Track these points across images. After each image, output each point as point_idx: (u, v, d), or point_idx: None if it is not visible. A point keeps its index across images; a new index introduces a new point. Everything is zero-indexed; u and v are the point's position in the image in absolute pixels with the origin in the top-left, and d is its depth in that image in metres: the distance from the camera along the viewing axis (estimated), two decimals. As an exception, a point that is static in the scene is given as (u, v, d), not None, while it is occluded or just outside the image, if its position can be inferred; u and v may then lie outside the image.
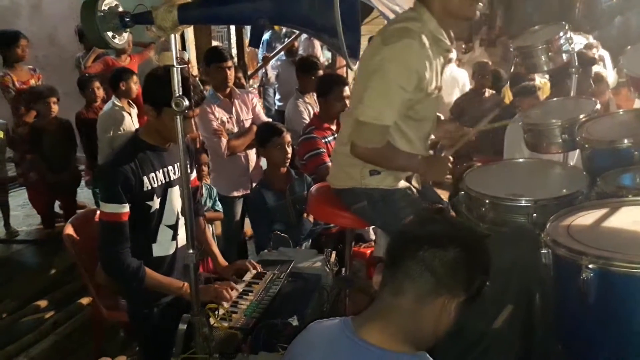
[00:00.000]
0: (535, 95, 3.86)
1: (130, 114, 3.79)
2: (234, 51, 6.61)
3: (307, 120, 3.53)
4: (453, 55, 1.61)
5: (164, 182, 1.95)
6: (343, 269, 2.45)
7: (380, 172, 1.92)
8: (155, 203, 1.92)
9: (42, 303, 3.32)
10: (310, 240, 3.07)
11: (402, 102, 1.76)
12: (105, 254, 1.88)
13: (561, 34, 2.89)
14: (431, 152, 2.13)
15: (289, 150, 2.92)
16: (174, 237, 2.03)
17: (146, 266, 1.90)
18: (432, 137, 2.14)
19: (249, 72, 5.81)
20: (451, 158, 1.96)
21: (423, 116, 1.90)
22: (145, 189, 1.88)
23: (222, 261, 2.24)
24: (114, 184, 1.81)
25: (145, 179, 1.87)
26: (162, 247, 2.00)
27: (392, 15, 3.35)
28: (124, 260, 1.84)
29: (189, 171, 1.73)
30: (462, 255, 1.05)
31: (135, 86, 3.85)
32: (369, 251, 3.40)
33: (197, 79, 4.45)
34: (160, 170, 1.93)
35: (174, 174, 1.98)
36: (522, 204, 1.87)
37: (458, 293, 1.06)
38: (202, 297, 1.82)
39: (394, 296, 1.07)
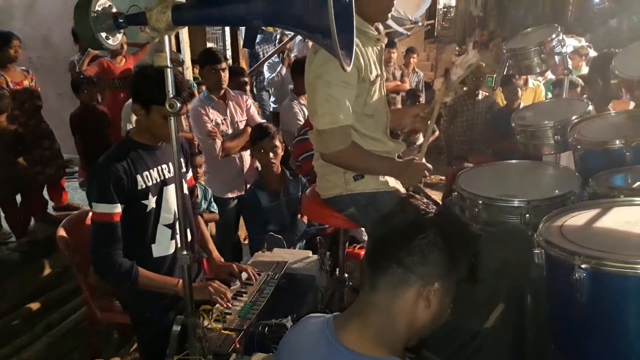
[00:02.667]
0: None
1: None
2: (229, 53, 6.61)
3: (302, 122, 3.53)
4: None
5: (158, 180, 1.94)
6: (337, 270, 2.45)
7: (363, 176, 1.92)
8: (151, 202, 1.92)
9: (35, 305, 3.30)
10: (305, 241, 3.07)
11: (351, 98, 1.77)
12: (96, 255, 1.86)
13: (553, 36, 2.92)
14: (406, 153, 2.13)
15: (273, 155, 2.90)
16: (173, 236, 2.02)
17: (147, 267, 1.90)
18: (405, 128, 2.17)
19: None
20: (429, 165, 1.95)
21: (375, 109, 1.91)
22: (139, 187, 1.87)
23: (217, 257, 2.22)
24: (105, 183, 1.80)
25: (138, 177, 1.87)
26: (162, 246, 1.99)
27: (390, 22, 3.36)
28: (116, 261, 1.83)
29: (183, 169, 1.72)
30: (428, 239, 1.02)
31: None
32: (362, 252, 3.42)
33: (192, 79, 4.47)
34: (155, 169, 1.93)
35: (169, 172, 1.98)
36: (515, 205, 1.88)
37: (432, 280, 1.03)
38: (198, 296, 1.82)
39: (369, 293, 1.07)
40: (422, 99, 5.86)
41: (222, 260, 2.23)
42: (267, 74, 6.14)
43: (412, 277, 1.03)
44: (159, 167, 1.95)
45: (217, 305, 1.92)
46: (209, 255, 2.24)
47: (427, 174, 1.96)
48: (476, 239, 1.09)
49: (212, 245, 2.26)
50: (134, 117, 3.71)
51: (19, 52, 3.99)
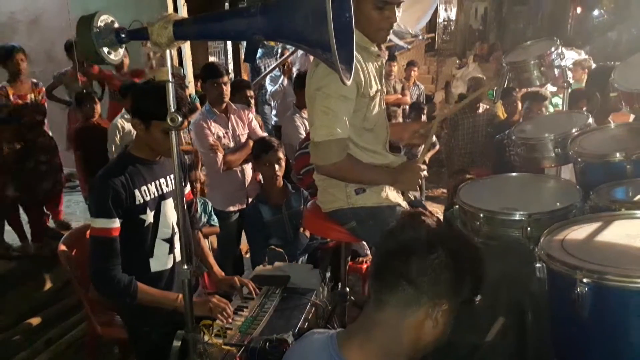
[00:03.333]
0: (544, 102, 3.88)
1: None
2: (231, 67, 6.66)
3: (303, 135, 3.54)
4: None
5: (156, 194, 1.94)
6: (339, 284, 2.44)
7: (365, 190, 1.92)
8: (149, 216, 1.92)
9: (36, 320, 3.28)
10: (307, 255, 3.06)
11: (349, 112, 1.78)
12: (95, 270, 1.85)
13: (553, 49, 2.93)
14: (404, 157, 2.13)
15: (279, 167, 2.91)
16: (171, 251, 2.02)
17: (145, 282, 1.89)
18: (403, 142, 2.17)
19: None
20: (424, 166, 1.95)
21: (375, 123, 1.92)
22: (137, 202, 1.87)
23: (218, 271, 2.22)
24: (103, 198, 1.80)
25: (136, 192, 1.87)
26: (160, 261, 1.99)
27: (391, 35, 3.39)
28: (115, 276, 1.82)
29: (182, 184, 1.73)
30: (441, 261, 1.01)
31: None
32: (364, 266, 3.40)
33: (195, 93, 4.50)
34: (152, 183, 1.93)
35: (167, 186, 1.98)
36: (517, 218, 1.87)
37: (441, 300, 1.02)
38: (199, 311, 1.81)
39: (376, 310, 1.06)
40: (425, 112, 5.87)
41: (223, 274, 2.22)
42: (269, 87, 6.18)
43: (423, 297, 1.02)
44: (157, 182, 1.95)
45: (218, 320, 1.90)
46: (210, 270, 2.23)
47: (423, 177, 1.96)
48: (483, 260, 1.08)
49: (212, 260, 2.25)
50: (117, 137, 3.77)
51: (22, 65, 4.02)
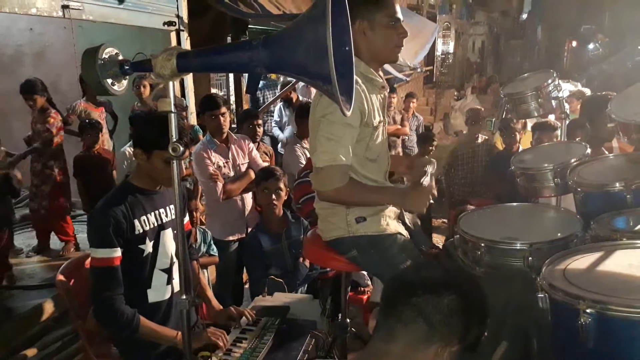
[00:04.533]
0: (555, 132, 3.86)
1: None
2: (233, 98, 6.74)
3: (304, 164, 3.56)
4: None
5: (156, 224, 1.94)
6: (339, 315, 2.41)
7: (366, 219, 1.91)
8: (148, 246, 1.91)
9: (32, 351, 3.23)
10: (306, 285, 3.03)
11: (352, 140, 1.79)
12: (99, 301, 1.84)
13: (550, 80, 2.98)
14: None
15: (276, 196, 2.92)
16: (169, 282, 2.00)
17: (142, 313, 1.87)
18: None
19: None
20: (434, 187, 1.94)
21: (377, 154, 1.94)
22: (137, 232, 1.87)
23: (216, 305, 2.21)
24: (104, 228, 1.80)
25: (136, 222, 1.87)
26: (158, 292, 1.97)
27: (390, 68, 3.44)
28: (118, 308, 1.81)
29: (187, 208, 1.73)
30: (456, 303, 1.03)
31: None
32: (365, 297, 3.36)
33: (197, 124, 4.55)
34: (152, 213, 1.93)
35: (166, 216, 1.98)
36: (518, 247, 1.86)
37: (452, 341, 1.03)
38: (196, 342, 1.79)
39: (385, 342, 1.05)
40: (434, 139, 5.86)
41: (221, 307, 2.21)
42: (276, 117, 6.26)
43: (436, 335, 1.02)
44: (157, 212, 1.96)
45: (217, 351, 1.88)
46: (208, 304, 2.21)
47: (432, 198, 1.95)
48: (488, 308, 1.10)
49: (210, 293, 2.24)
50: (125, 164, 3.82)
51: (38, 102, 4.20)
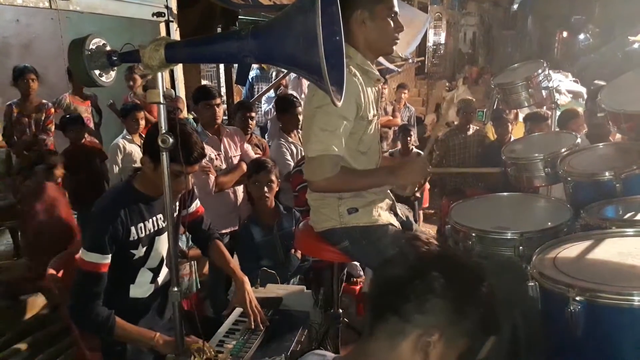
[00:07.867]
0: (546, 122, 3.86)
1: (140, 146, 3.90)
2: (223, 90, 6.70)
3: (291, 161, 3.54)
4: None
5: (152, 230, 1.93)
6: (332, 306, 2.42)
7: (358, 210, 1.92)
8: (140, 251, 1.90)
9: (23, 345, 3.21)
10: (299, 277, 3.03)
11: (346, 132, 1.79)
12: (75, 301, 1.81)
13: (540, 71, 2.99)
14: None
15: (268, 188, 2.91)
16: (153, 280, 1.99)
17: (122, 306, 1.84)
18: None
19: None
20: (427, 162, 1.92)
21: (369, 147, 1.94)
22: (131, 238, 1.85)
23: (240, 274, 2.07)
24: (100, 234, 1.77)
25: (132, 229, 1.85)
26: (140, 289, 1.96)
27: (381, 59, 3.43)
28: (93, 309, 1.77)
29: (190, 205, 1.87)
30: (424, 286, 0.93)
31: (142, 121, 4.07)
32: (358, 287, 3.38)
33: (190, 117, 4.53)
34: (150, 220, 1.91)
35: (164, 221, 1.95)
36: (509, 237, 1.88)
37: (430, 330, 0.93)
38: (166, 350, 1.77)
39: (367, 340, 1.00)
40: (414, 133, 5.93)
41: (245, 276, 2.07)
42: (263, 107, 6.23)
43: (408, 326, 0.93)
44: (154, 218, 1.93)
45: (209, 344, 1.87)
46: (233, 276, 2.09)
47: (427, 172, 1.91)
48: (491, 292, 0.99)
49: (233, 264, 2.13)
50: (119, 157, 3.80)
51: (31, 85, 4.11)
